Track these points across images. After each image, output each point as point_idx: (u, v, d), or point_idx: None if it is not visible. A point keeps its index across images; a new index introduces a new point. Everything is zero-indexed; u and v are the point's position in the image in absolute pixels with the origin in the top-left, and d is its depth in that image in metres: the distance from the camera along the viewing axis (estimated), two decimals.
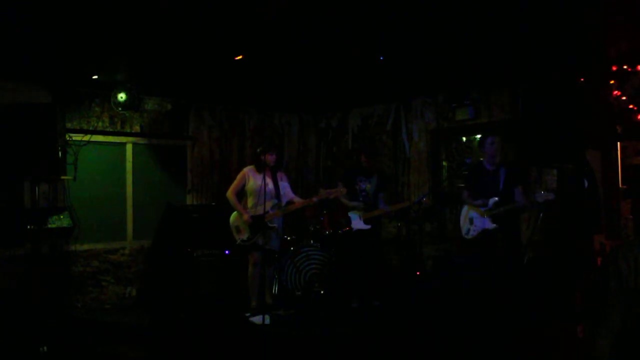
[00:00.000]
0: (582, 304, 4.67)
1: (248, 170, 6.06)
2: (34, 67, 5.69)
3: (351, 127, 8.38)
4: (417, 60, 5.70)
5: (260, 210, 5.84)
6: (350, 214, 6.24)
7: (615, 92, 5.51)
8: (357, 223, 6.21)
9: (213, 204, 7.37)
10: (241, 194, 6.07)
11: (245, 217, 5.87)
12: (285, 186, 6.10)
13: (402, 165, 7.71)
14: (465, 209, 5.86)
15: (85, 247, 6.62)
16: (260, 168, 5.93)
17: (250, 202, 5.97)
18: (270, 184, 5.88)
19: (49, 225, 6.00)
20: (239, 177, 6.06)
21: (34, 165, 5.84)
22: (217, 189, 7.52)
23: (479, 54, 5.41)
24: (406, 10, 4.23)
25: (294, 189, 6.42)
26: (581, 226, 5.66)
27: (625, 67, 5.45)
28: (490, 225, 5.56)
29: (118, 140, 7.03)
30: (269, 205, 5.85)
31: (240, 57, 5.33)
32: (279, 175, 6.12)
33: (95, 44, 4.99)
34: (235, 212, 6.01)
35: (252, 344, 5.08)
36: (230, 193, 6.00)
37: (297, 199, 6.15)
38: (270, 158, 5.91)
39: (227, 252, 6.57)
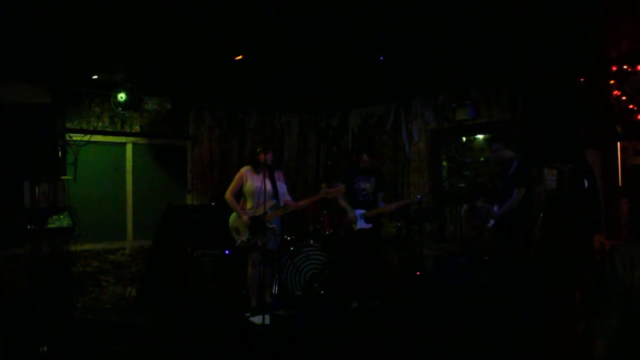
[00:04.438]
0: (582, 303, 4.67)
1: (245, 171, 6.02)
2: (34, 67, 5.68)
3: (351, 127, 8.38)
4: (417, 60, 5.70)
5: (259, 212, 5.84)
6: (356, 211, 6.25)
7: (615, 92, 5.51)
8: (359, 222, 6.21)
9: (213, 204, 7.36)
10: (238, 194, 6.06)
11: (244, 218, 5.85)
12: (281, 186, 6.10)
13: (402, 165, 7.70)
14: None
15: (85, 247, 6.61)
16: (258, 168, 5.92)
17: (249, 203, 5.96)
18: (268, 185, 5.87)
19: (49, 225, 5.99)
20: (236, 178, 6.03)
21: (34, 165, 5.85)
22: (217, 189, 7.51)
23: (479, 54, 5.41)
24: (406, 10, 4.23)
25: (294, 189, 6.41)
26: (581, 226, 5.65)
27: (625, 67, 5.45)
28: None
29: (118, 140, 7.03)
30: (268, 205, 5.85)
31: (240, 57, 5.33)
32: (277, 175, 6.11)
33: (95, 44, 4.98)
34: (233, 214, 5.99)
35: (252, 344, 5.08)
36: (228, 194, 5.98)
37: (290, 203, 6.11)
38: (268, 157, 5.91)
39: (227, 252, 6.58)
